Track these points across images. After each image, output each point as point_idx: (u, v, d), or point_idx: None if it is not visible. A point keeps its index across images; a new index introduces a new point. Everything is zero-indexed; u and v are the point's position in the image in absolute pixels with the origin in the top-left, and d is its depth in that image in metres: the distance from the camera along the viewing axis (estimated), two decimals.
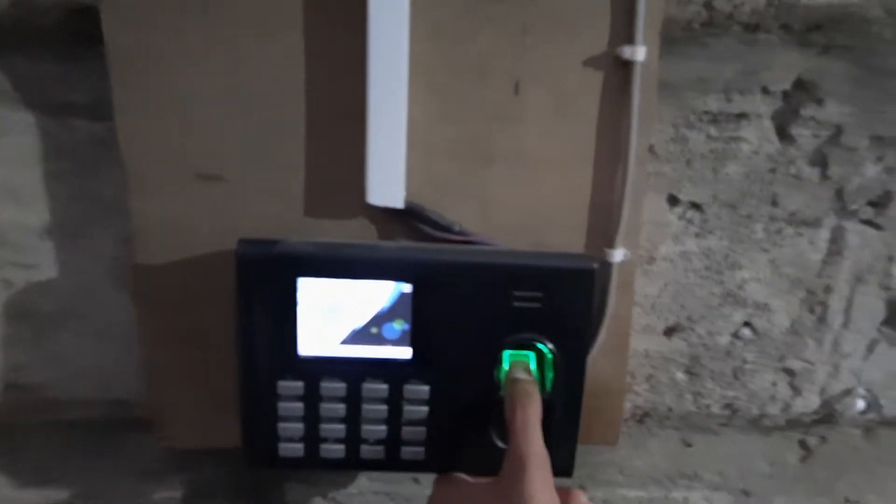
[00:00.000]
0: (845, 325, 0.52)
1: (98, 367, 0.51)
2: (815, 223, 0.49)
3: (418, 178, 0.45)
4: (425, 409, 0.46)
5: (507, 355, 0.46)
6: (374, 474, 0.56)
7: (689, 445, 0.56)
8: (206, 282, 0.46)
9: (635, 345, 0.52)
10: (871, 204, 0.49)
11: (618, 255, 0.47)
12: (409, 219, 0.46)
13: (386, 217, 0.46)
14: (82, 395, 0.52)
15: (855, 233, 0.50)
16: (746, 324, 0.52)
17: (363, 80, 0.43)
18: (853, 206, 0.49)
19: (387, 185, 0.45)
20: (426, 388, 0.45)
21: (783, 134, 0.48)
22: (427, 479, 0.56)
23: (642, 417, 0.55)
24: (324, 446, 0.46)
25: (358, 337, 0.45)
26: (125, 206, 0.45)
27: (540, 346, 0.44)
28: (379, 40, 0.42)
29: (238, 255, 0.42)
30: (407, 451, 0.46)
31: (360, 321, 0.44)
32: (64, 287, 0.49)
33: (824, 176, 0.48)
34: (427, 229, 0.46)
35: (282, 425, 0.45)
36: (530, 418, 0.40)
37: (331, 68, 0.44)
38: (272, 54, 0.43)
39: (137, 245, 0.46)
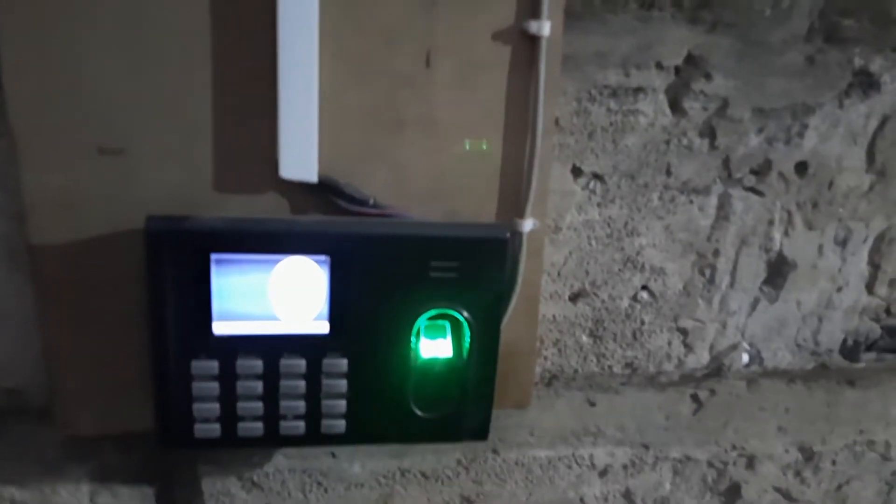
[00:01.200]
0: (731, 285, 0.56)
1: None
2: (704, 191, 0.53)
3: (329, 146, 0.45)
4: (344, 382, 0.46)
5: (423, 325, 0.47)
6: (290, 451, 0.55)
7: (592, 404, 0.59)
8: (109, 261, 0.44)
9: (543, 311, 0.54)
10: (754, 172, 0.53)
11: (527, 224, 0.48)
12: (323, 193, 0.46)
13: (299, 191, 0.46)
14: None
15: (739, 199, 0.54)
16: (644, 287, 0.55)
17: (274, 44, 0.42)
18: (738, 175, 0.53)
19: (300, 158, 0.44)
20: (344, 361, 0.45)
21: (676, 107, 0.51)
22: (344, 454, 0.56)
23: (550, 380, 0.57)
24: (241, 425, 0.45)
25: (273, 313, 0.44)
26: (13, 180, 0.43)
27: (456, 314, 0.45)
28: (289, 4, 0.41)
29: (147, 231, 0.41)
30: (327, 425, 0.46)
31: (275, 297, 0.44)
32: None
33: (713, 146, 0.52)
34: (342, 203, 0.46)
35: (197, 406, 0.44)
36: None
37: (240, 30, 0.42)
38: (178, 16, 0.41)
39: (32, 223, 0.43)
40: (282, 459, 0.55)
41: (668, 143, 0.51)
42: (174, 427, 0.45)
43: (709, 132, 0.52)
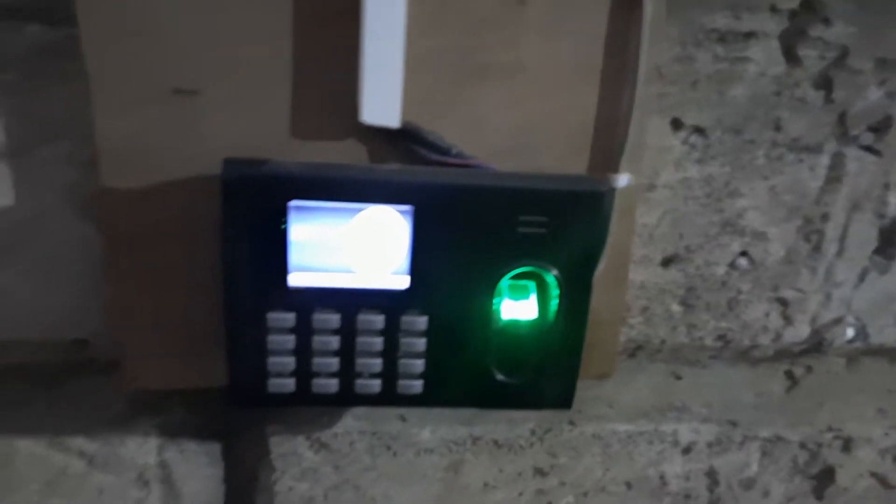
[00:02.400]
0: (839, 253, 0.51)
1: (54, 306, 0.47)
2: (816, 149, 0.48)
3: (407, 93, 0.42)
4: (423, 340, 0.43)
5: (507, 284, 0.44)
6: (360, 414, 0.53)
7: (678, 378, 0.55)
8: (181, 209, 0.43)
9: (631, 276, 0.50)
10: (872, 129, 0.48)
11: (621, 179, 0.45)
12: (403, 141, 0.43)
13: (378, 139, 0.43)
14: (37, 336, 0.48)
15: (854, 159, 0.49)
16: (743, 253, 0.51)
17: None
18: (854, 132, 0.48)
19: (382, 102, 0.41)
20: (424, 318, 0.43)
21: (789, 55, 0.46)
22: (414, 418, 0.54)
23: (635, 351, 0.54)
24: (316, 381, 0.43)
25: (352, 266, 0.42)
26: (82, 125, 0.41)
27: (544, 273, 0.42)
28: None
29: (224, 176, 0.39)
30: (404, 385, 0.44)
31: (354, 249, 0.41)
32: (16, 215, 0.45)
33: (828, 100, 0.47)
34: (423, 152, 0.43)
35: (272, 360, 0.42)
36: None
37: None
38: None
39: (103, 169, 0.42)
40: (351, 421, 0.54)
41: (778, 95, 0.47)
42: (247, 382, 0.43)
43: (824, 84, 0.47)
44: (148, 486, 0.53)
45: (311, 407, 0.51)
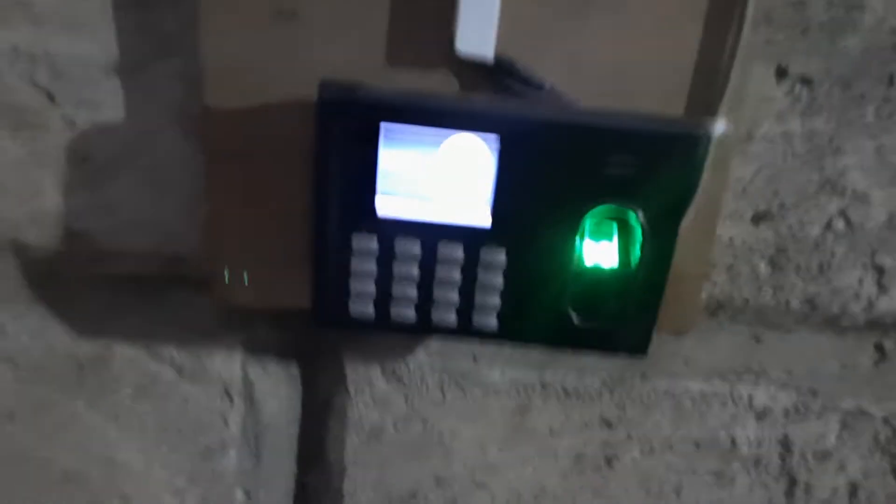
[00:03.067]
0: None
1: (156, 220, 0.50)
2: None
3: (502, 25, 0.41)
4: (501, 276, 0.44)
5: (590, 225, 0.43)
6: (432, 349, 0.54)
7: (758, 341, 0.54)
8: (278, 130, 0.44)
9: (719, 231, 0.49)
10: None
11: (718, 126, 0.43)
12: (495, 74, 0.43)
13: (471, 70, 0.43)
14: (140, 248, 0.51)
15: None
16: (841, 214, 0.49)
17: None
18: None
19: (478, 32, 0.41)
20: (503, 254, 0.43)
21: None
22: (485, 358, 0.55)
23: (715, 309, 0.52)
24: (395, 309, 0.44)
25: (437, 195, 0.42)
26: (193, 42, 0.43)
27: (629, 217, 0.42)
28: None
29: (320, 96, 0.40)
30: (479, 320, 0.45)
31: (440, 178, 0.42)
32: (126, 130, 0.47)
33: None
34: (515, 86, 0.43)
35: (354, 283, 0.44)
36: None
37: None
38: None
39: (206, 88, 0.43)
40: (423, 356, 0.55)
41: (894, 48, 0.44)
42: (330, 303, 0.44)
43: None
44: (231, 400, 0.56)
45: (387, 336, 0.53)
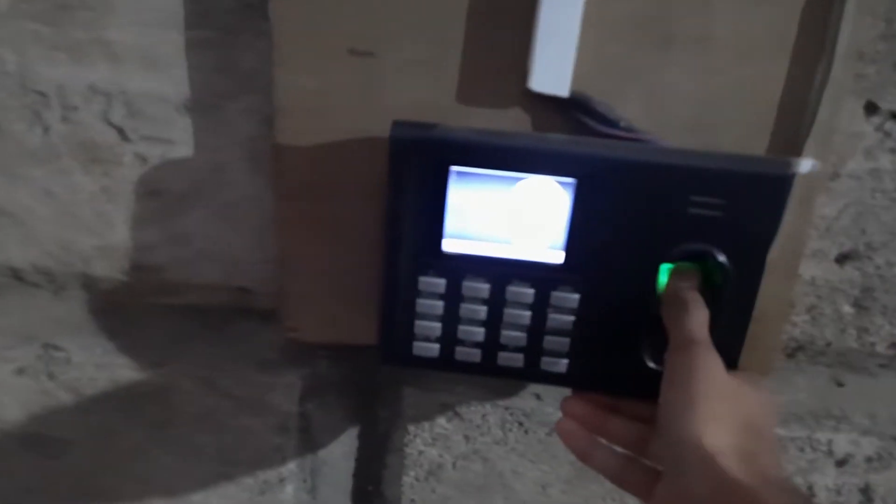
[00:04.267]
0: None
1: (225, 253, 0.50)
2: None
3: (583, 60, 0.40)
4: (572, 318, 0.42)
5: (666, 268, 0.41)
6: (495, 386, 0.53)
7: (840, 385, 0.51)
8: (349, 168, 0.43)
9: (801, 270, 0.47)
10: None
11: (805, 165, 0.41)
12: (570, 111, 0.42)
13: (545, 107, 0.42)
14: (207, 280, 0.50)
15: None
16: None
17: None
18: None
19: (553, 70, 0.40)
20: (576, 296, 0.42)
21: None
22: (550, 397, 0.53)
23: (795, 350, 0.50)
24: (460, 349, 0.43)
25: (507, 236, 0.41)
26: (267, 80, 0.42)
27: (712, 260, 0.40)
28: None
29: (392, 137, 0.39)
30: (548, 363, 0.43)
31: (511, 219, 0.41)
32: (198, 165, 0.47)
33: None
34: (590, 123, 0.41)
35: (419, 323, 0.43)
36: (697, 319, 0.37)
37: None
38: None
39: (280, 124, 0.43)
40: (485, 394, 0.53)
41: None
42: (395, 342, 0.43)
43: None
44: (288, 433, 0.56)
45: (451, 374, 0.52)
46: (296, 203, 0.44)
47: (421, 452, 0.56)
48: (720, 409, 0.35)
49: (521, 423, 0.54)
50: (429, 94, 0.42)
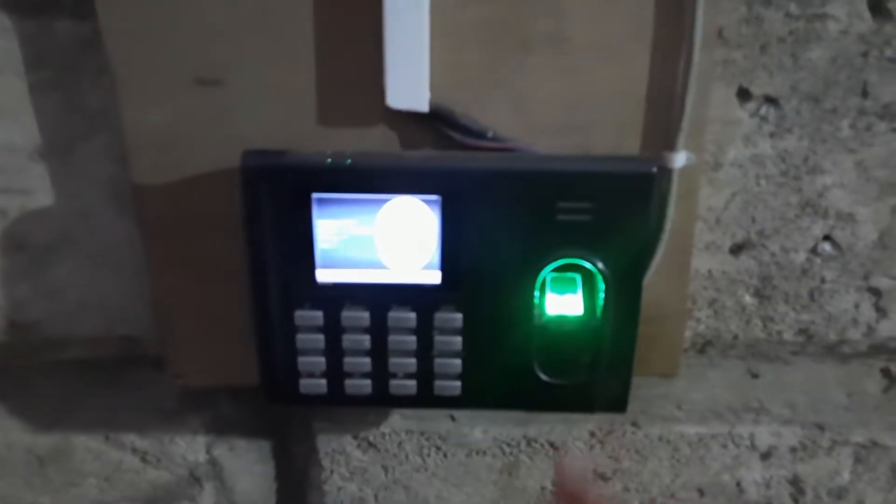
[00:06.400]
0: None
1: (103, 301, 0.47)
2: None
3: (443, 72, 0.39)
4: (459, 339, 0.40)
5: (549, 278, 0.40)
6: (407, 412, 0.51)
7: (755, 376, 0.50)
8: (211, 202, 0.41)
9: (697, 264, 0.46)
10: None
11: (679, 158, 0.40)
12: (435, 125, 0.40)
13: (409, 123, 0.40)
14: (89, 332, 0.48)
15: None
16: (827, 237, 0.45)
17: None
18: None
19: (409, 85, 0.38)
20: (459, 315, 0.40)
21: (878, 9, 0.40)
22: (465, 418, 0.51)
23: (703, 346, 0.49)
24: (349, 381, 0.41)
25: (381, 260, 0.39)
26: (116, 119, 0.40)
27: (588, 265, 0.39)
28: None
29: (243, 168, 0.37)
30: (441, 386, 0.41)
31: (382, 242, 0.39)
32: (60, 213, 0.45)
33: None
34: (457, 136, 0.40)
35: (301, 359, 0.41)
36: None
37: None
38: None
39: (133, 162, 0.41)
40: (398, 420, 0.51)
41: (865, 55, 0.41)
42: (279, 381, 0.41)
43: None
44: (200, 484, 0.53)
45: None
46: (163, 243, 0.42)
47: (340, 488, 0.53)
48: None
49: (438, 448, 0.52)
50: (286, 119, 0.40)
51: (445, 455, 0.52)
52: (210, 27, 0.38)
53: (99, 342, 0.49)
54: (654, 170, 0.37)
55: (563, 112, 0.40)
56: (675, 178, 0.41)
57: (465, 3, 0.38)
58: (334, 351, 0.40)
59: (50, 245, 0.46)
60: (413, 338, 0.40)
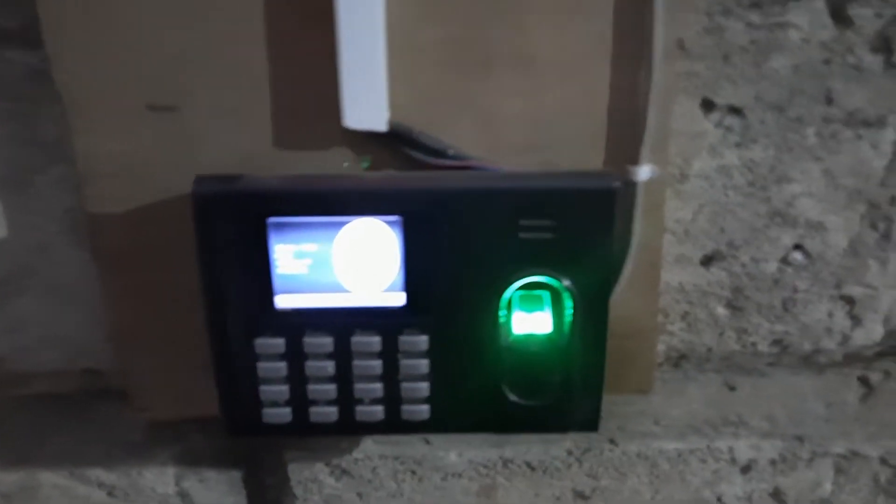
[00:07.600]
0: None
1: (64, 335, 0.46)
2: (878, 123, 0.42)
3: (403, 92, 0.38)
4: (426, 361, 0.39)
5: (516, 297, 0.39)
6: (380, 437, 0.50)
7: (732, 389, 0.49)
8: (167, 231, 0.40)
9: (667, 278, 0.45)
10: None
11: (643, 172, 0.40)
12: (395, 144, 0.39)
13: (367, 144, 0.39)
14: (51, 366, 0.47)
15: None
16: (797, 247, 0.44)
17: None
18: None
19: (366, 105, 0.38)
20: (424, 337, 0.39)
21: (839, 16, 0.40)
22: (439, 441, 0.50)
23: (678, 360, 0.48)
24: (314, 409, 0.40)
25: (342, 283, 0.38)
26: (70, 148, 0.39)
27: (554, 283, 0.38)
28: None
29: (195, 194, 0.36)
30: (409, 411, 0.40)
31: (343, 265, 0.38)
32: (17, 247, 0.44)
33: (889, 64, 0.41)
34: (417, 155, 0.39)
35: (264, 388, 0.40)
36: None
37: None
38: None
39: (87, 192, 0.40)
40: (372, 445, 0.50)
41: (828, 63, 0.41)
42: (241, 412, 0.40)
43: (883, 47, 0.40)
44: None
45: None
46: (119, 274, 0.41)
47: None
48: None
49: (413, 472, 0.51)
50: (243, 144, 0.39)
51: (421, 479, 0.51)
52: (161, 52, 0.38)
53: (62, 376, 0.47)
54: (616, 184, 0.36)
55: (527, 130, 0.40)
56: (641, 191, 0.40)
57: (425, 23, 0.38)
58: (297, 378, 0.39)
59: (8, 279, 0.44)
60: (378, 362, 0.39)
